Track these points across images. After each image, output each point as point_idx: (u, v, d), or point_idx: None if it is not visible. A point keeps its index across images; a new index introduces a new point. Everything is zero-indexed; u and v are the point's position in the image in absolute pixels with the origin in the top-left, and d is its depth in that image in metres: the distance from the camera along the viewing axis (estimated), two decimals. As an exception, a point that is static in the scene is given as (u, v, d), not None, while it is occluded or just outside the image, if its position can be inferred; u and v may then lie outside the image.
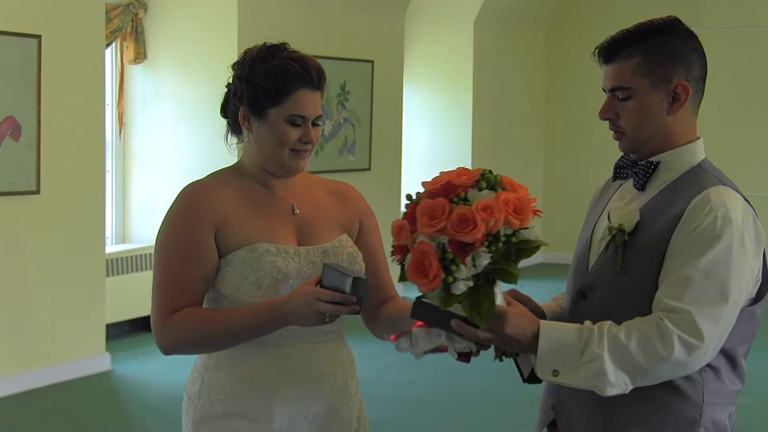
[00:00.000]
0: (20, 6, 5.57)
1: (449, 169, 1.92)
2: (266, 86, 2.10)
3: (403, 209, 1.94)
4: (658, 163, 2.03)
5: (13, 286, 5.64)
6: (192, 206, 2.11)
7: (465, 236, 1.81)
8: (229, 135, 2.22)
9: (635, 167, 2.06)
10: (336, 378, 2.19)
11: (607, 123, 2.08)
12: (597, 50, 2.06)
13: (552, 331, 1.93)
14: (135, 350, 6.57)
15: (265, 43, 2.16)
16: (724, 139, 9.01)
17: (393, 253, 1.93)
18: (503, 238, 1.83)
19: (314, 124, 2.14)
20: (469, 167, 1.90)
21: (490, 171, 1.89)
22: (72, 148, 5.90)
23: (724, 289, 1.90)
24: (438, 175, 1.92)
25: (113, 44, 6.96)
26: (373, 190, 7.63)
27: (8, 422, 5.21)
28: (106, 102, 6.55)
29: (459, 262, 1.81)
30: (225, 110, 2.20)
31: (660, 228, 1.96)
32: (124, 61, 7.06)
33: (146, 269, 7.01)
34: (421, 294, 1.92)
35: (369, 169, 8.20)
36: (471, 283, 1.83)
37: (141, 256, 6.99)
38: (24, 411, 5.38)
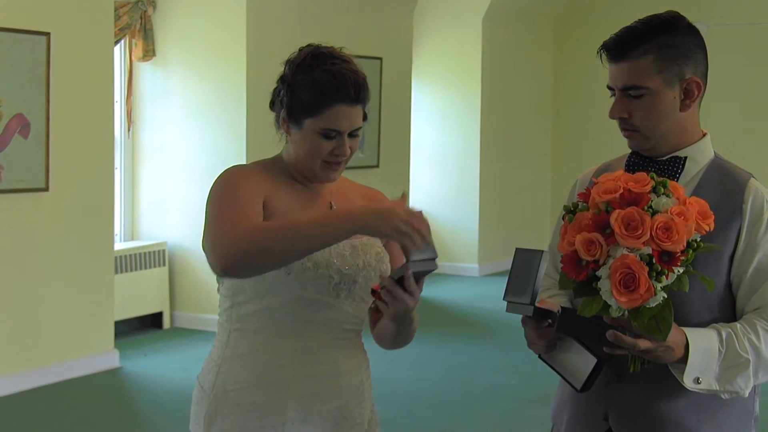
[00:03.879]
0: (29, 3, 5.58)
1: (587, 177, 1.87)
2: (304, 98, 2.10)
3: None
4: (685, 158, 2.04)
5: (22, 283, 5.66)
6: (246, 174, 2.12)
7: (671, 245, 1.75)
8: (277, 127, 2.22)
9: (655, 164, 2.05)
10: (351, 377, 2.18)
11: (623, 136, 2.08)
12: (604, 48, 2.04)
13: (698, 339, 1.92)
14: (144, 347, 6.59)
15: (317, 47, 2.14)
16: (732, 136, 8.99)
17: (571, 271, 1.82)
18: (694, 245, 1.80)
19: (352, 135, 2.14)
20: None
21: (648, 173, 1.85)
22: (81, 146, 5.91)
23: None
24: (592, 184, 1.85)
25: (122, 41, 6.97)
26: (382, 188, 7.54)
27: (17, 419, 5.22)
28: (115, 99, 6.56)
29: (665, 273, 1.77)
30: (272, 105, 2.21)
31: (717, 226, 1.95)
32: (133, 58, 7.07)
33: (155, 266, 7.03)
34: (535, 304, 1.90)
35: (377, 166, 8.19)
36: (665, 294, 1.79)
37: (150, 253, 7.00)
38: (32, 408, 5.39)
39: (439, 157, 9.73)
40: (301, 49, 2.16)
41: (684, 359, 1.91)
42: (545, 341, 1.99)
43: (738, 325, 1.96)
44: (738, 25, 9.43)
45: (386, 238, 2.01)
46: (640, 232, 1.76)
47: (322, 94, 2.08)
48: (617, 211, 1.78)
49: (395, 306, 2.00)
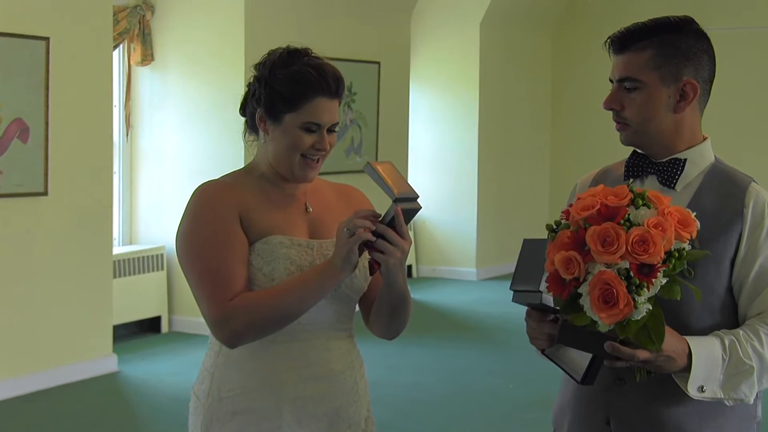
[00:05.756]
0: (28, 8, 5.58)
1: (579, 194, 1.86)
2: (284, 92, 2.10)
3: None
4: (685, 160, 2.04)
5: (21, 287, 5.66)
6: (215, 198, 2.11)
7: (648, 258, 1.75)
8: (247, 133, 2.22)
9: (655, 165, 2.06)
10: (346, 377, 2.19)
11: (613, 123, 2.08)
12: (609, 40, 2.06)
13: (701, 348, 1.91)
14: (142, 352, 6.58)
15: (288, 47, 2.16)
16: (732, 139, 9.00)
17: (555, 290, 1.82)
18: (676, 254, 1.79)
19: (330, 131, 2.15)
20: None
21: (627, 185, 1.85)
22: (80, 150, 5.91)
23: None
24: (575, 201, 1.86)
25: (120, 46, 6.98)
26: (379, 192, 7.61)
27: (15, 424, 5.22)
28: (114, 104, 6.57)
29: (645, 286, 1.76)
30: (244, 109, 2.21)
31: (718, 230, 1.97)
32: (132, 62, 7.07)
33: (154, 270, 7.03)
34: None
35: (375, 170, 8.19)
36: (650, 306, 1.77)
37: (148, 257, 7.00)
38: (31, 412, 5.38)
39: (437, 161, 9.73)
40: (271, 51, 2.16)
41: (687, 368, 1.90)
42: (548, 335, 1.98)
43: (740, 331, 1.95)
44: (740, 29, 9.44)
45: (358, 258, 2.03)
46: (615, 247, 1.75)
47: (301, 86, 2.09)
48: (593, 227, 1.78)
49: (390, 252, 2.01)
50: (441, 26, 9.55)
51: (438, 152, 9.73)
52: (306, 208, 2.19)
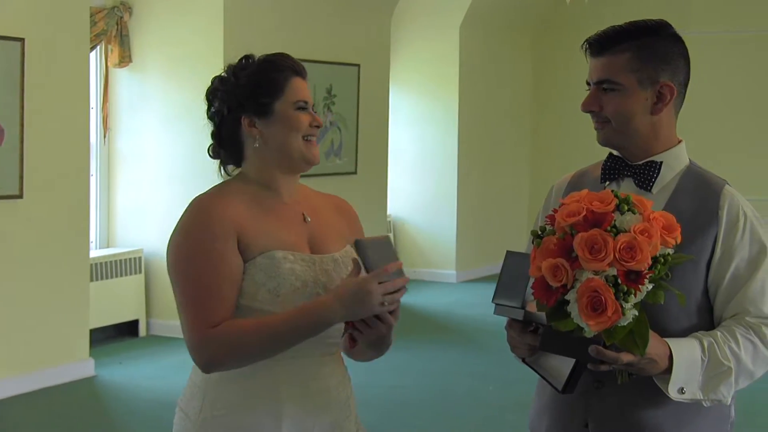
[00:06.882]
0: (3, 9, 5.53)
1: (562, 200, 1.86)
2: (262, 83, 2.11)
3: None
4: (660, 162, 2.05)
5: (-3, 291, 5.60)
6: (210, 215, 2.05)
7: (636, 264, 1.75)
8: (223, 168, 2.19)
9: (631, 168, 2.07)
10: (339, 392, 2.17)
11: (592, 126, 2.09)
12: (587, 43, 2.08)
13: (681, 350, 1.93)
14: (119, 355, 6.54)
15: (230, 63, 2.18)
16: (711, 142, 9.04)
17: (541, 297, 1.82)
18: (662, 260, 1.79)
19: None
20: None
21: (612, 190, 1.85)
22: (56, 152, 5.86)
23: None
24: (559, 207, 1.85)
25: (98, 47, 6.92)
26: (360, 194, 7.61)
27: (-9, 428, 5.17)
28: (91, 106, 6.52)
29: (633, 292, 1.76)
30: (217, 142, 2.17)
31: (694, 232, 1.98)
32: (109, 64, 7.02)
33: (131, 273, 6.98)
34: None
35: (355, 172, 8.18)
36: (637, 312, 1.78)
37: (126, 260, 6.95)
38: (6, 417, 5.33)
39: (417, 163, 9.73)
40: (216, 76, 2.17)
41: (668, 370, 1.91)
42: (528, 345, 1.98)
43: (718, 333, 1.97)
44: (717, 33, 9.49)
45: (374, 313, 1.99)
46: (604, 254, 1.75)
47: (277, 72, 2.12)
48: (580, 234, 1.78)
49: (370, 333, 2.00)
50: (421, 29, 9.55)
51: (418, 155, 9.73)
52: (304, 218, 2.16)
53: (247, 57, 2.17)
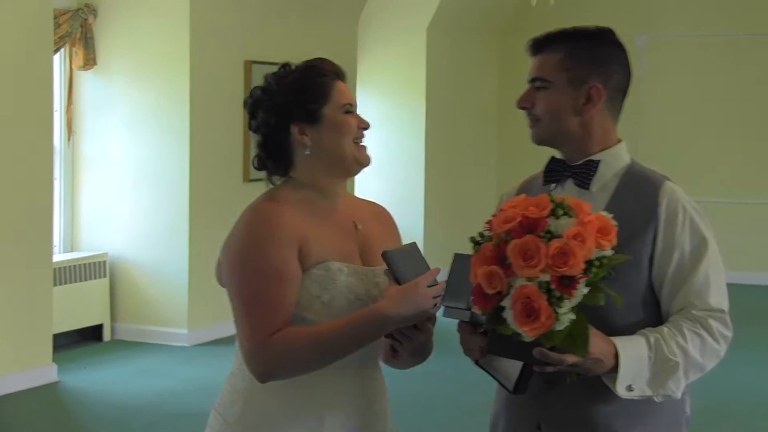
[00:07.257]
0: (-35, 10, 5.47)
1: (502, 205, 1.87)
2: (308, 89, 2.10)
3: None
4: (598, 161, 2.09)
5: (-42, 295, 5.53)
6: (273, 223, 2.03)
7: (568, 270, 1.75)
8: (269, 179, 2.16)
9: (572, 168, 2.11)
10: (379, 404, 2.17)
11: (528, 126, 2.15)
12: (528, 43, 2.15)
13: (627, 348, 1.94)
14: (83, 361, 6.47)
15: (268, 73, 2.15)
16: (679, 144, 9.12)
17: (479, 303, 1.83)
18: (597, 263, 1.80)
19: None
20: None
21: (549, 194, 1.85)
22: (19, 156, 5.80)
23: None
24: (497, 212, 1.86)
25: (62, 50, 6.86)
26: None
27: (-48, 435, 5.10)
28: (55, 108, 6.46)
29: (566, 297, 1.76)
30: (265, 153, 2.13)
31: (635, 229, 2.00)
32: (74, 67, 6.96)
33: (95, 278, 6.91)
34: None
35: (322, 176, 8.17)
36: (573, 316, 1.79)
37: (90, 264, 6.89)
38: (-31, 424, 5.27)
39: (384, 166, 9.72)
40: (256, 87, 2.14)
41: (615, 368, 1.93)
42: (479, 346, 2.00)
43: (665, 328, 1.99)
44: (679, 36, 9.57)
45: (423, 318, 2.03)
46: (536, 261, 1.76)
47: (320, 77, 2.12)
48: (514, 241, 1.79)
49: (410, 343, 2.02)
50: (388, 32, 9.56)
51: (384, 158, 9.72)
52: (355, 226, 2.16)
53: (285, 65, 2.15)
